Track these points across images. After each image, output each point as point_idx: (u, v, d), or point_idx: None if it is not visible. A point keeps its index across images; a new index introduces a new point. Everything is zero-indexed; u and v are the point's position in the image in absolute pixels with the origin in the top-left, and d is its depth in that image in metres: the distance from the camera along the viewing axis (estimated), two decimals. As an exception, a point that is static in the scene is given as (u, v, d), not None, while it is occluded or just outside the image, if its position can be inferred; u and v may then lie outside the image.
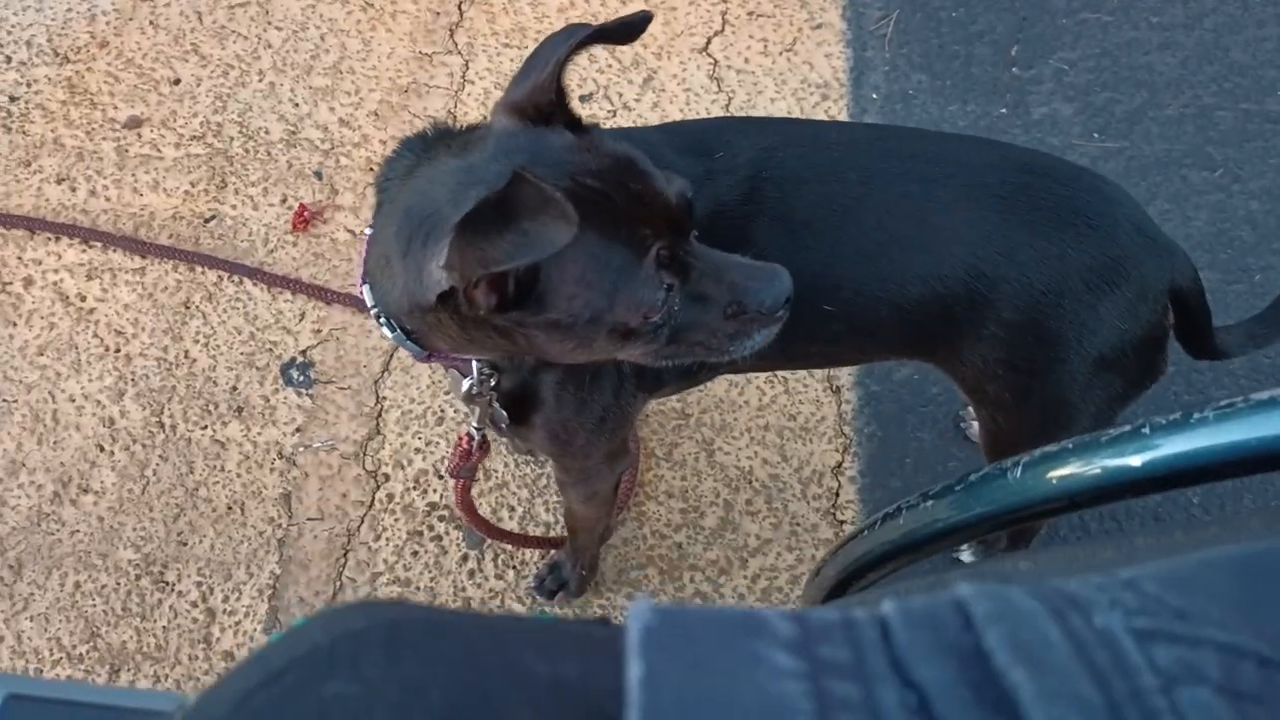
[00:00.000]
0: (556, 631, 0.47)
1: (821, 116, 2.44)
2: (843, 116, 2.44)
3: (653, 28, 2.96)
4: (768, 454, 2.02)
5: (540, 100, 1.07)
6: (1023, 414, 1.42)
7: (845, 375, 2.10)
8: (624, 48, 2.54)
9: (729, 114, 2.42)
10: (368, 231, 1.16)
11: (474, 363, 1.24)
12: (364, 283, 1.17)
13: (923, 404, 2.06)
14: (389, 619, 0.45)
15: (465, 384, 1.27)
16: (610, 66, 2.50)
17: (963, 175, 1.33)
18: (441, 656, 0.43)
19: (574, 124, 1.09)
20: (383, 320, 1.16)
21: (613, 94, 2.46)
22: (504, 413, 1.33)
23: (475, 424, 1.36)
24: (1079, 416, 1.38)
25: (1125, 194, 1.37)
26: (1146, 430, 0.74)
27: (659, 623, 0.38)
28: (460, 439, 1.42)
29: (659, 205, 1.07)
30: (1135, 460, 0.74)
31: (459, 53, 2.53)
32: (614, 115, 2.44)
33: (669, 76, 2.50)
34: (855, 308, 1.35)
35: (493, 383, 1.29)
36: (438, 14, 2.60)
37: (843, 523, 1.95)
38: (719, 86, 2.49)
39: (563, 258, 0.97)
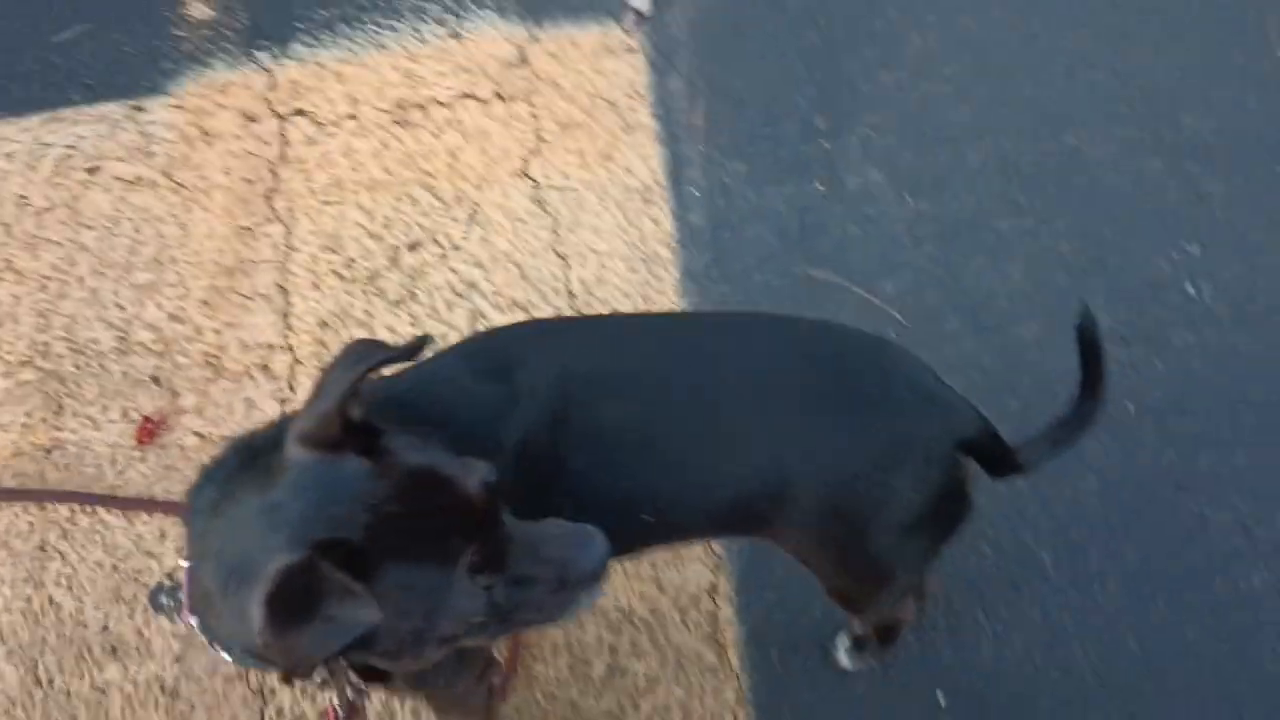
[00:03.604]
0: None
1: (646, 222, 2.47)
2: (666, 220, 2.47)
3: (469, 157, 2.87)
4: (645, 587, 2.06)
5: (329, 431, 1.06)
6: (847, 576, 1.50)
7: (707, 491, 2.14)
8: (443, 183, 2.55)
9: (555, 242, 2.44)
10: (184, 565, 1.17)
11: None
12: (191, 613, 1.18)
13: (785, 506, 2.12)
14: None
15: (315, 675, 1.28)
16: (434, 208, 2.51)
17: (751, 366, 1.37)
18: None
19: (371, 444, 1.08)
20: (218, 647, 1.17)
21: (440, 237, 2.47)
22: (361, 683, 1.35)
23: (335, 700, 1.37)
24: (897, 570, 1.46)
25: (906, 355, 1.42)
26: None
27: None
28: (326, 711, 1.44)
29: (464, 508, 1.09)
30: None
31: (279, 220, 2.51)
32: (445, 258, 2.44)
33: (493, 206, 2.51)
34: (672, 513, 1.39)
35: (342, 661, 1.30)
36: (251, 182, 2.57)
37: (724, 647, 2.00)
38: (543, 209, 2.50)
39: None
